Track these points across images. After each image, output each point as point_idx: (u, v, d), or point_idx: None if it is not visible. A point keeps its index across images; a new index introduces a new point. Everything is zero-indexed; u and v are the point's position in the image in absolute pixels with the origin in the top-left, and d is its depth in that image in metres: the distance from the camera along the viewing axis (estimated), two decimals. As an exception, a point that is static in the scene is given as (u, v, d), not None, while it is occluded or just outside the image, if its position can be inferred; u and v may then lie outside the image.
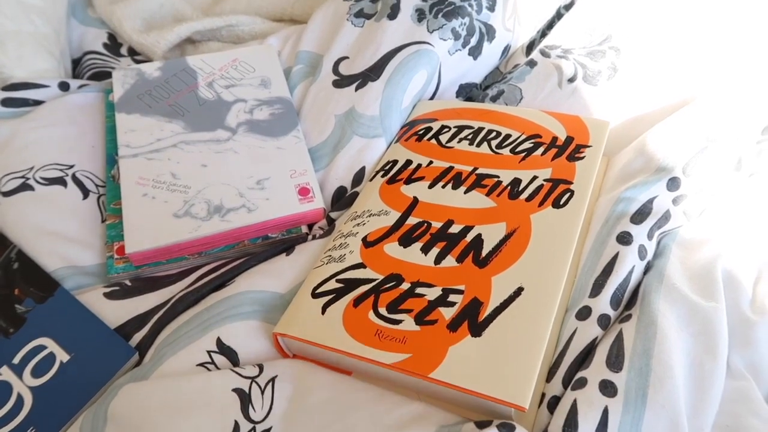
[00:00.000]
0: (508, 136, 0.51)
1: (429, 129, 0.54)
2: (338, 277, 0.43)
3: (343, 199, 0.52)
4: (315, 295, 0.43)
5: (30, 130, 0.55)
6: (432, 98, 0.59)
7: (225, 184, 0.50)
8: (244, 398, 0.38)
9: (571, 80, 0.54)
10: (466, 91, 0.60)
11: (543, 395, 0.39)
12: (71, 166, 0.54)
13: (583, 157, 0.48)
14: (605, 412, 0.35)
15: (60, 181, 0.52)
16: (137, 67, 0.60)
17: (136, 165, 0.52)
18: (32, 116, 0.56)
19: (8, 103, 0.58)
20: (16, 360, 0.43)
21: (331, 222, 0.51)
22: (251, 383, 0.39)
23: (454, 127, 0.53)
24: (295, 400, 0.39)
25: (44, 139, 0.55)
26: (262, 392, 0.39)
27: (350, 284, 0.42)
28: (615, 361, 0.38)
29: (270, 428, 0.38)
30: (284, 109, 0.56)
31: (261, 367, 0.40)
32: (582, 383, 0.37)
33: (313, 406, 0.38)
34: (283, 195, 0.50)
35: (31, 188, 0.51)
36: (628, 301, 0.42)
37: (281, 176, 0.51)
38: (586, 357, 0.39)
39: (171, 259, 0.48)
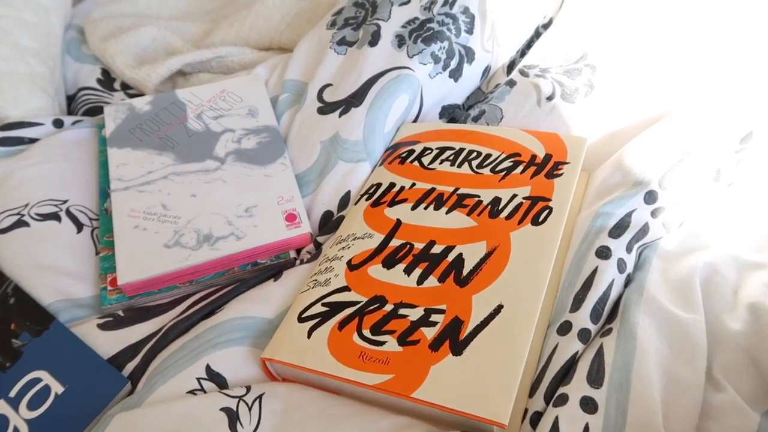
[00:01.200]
0: (488, 155, 0.52)
1: (411, 152, 0.55)
2: (324, 300, 0.44)
3: (329, 223, 0.53)
4: (301, 319, 0.44)
5: (25, 168, 0.56)
6: (415, 120, 0.60)
7: (214, 213, 0.52)
8: (232, 415, 0.39)
9: (549, 98, 0.55)
10: (449, 112, 0.61)
11: (525, 411, 0.39)
12: (65, 201, 0.55)
13: (561, 174, 0.49)
14: (586, 428, 0.36)
15: (54, 217, 0.54)
16: (128, 102, 0.62)
17: (127, 198, 0.53)
18: (27, 154, 0.58)
19: (4, 142, 0.59)
20: (12, 393, 0.44)
21: (319, 246, 0.52)
22: (238, 401, 0.40)
23: (436, 148, 0.54)
24: (283, 414, 0.39)
25: (39, 176, 0.56)
26: (250, 409, 0.40)
27: (335, 307, 0.43)
28: (596, 377, 0.38)
29: None
30: (271, 137, 0.58)
31: (248, 388, 0.41)
32: (563, 400, 0.37)
33: (301, 419, 0.39)
34: (270, 221, 0.51)
35: (26, 224, 0.53)
36: (609, 314, 0.43)
37: (269, 203, 0.52)
38: (567, 372, 0.40)
39: (162, 289, 0.49)
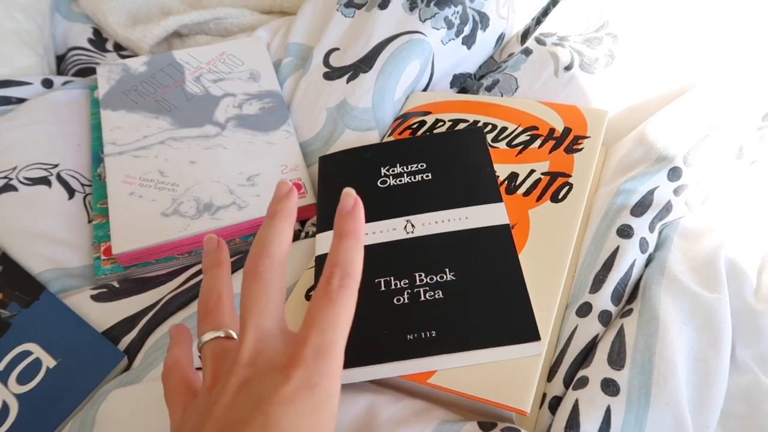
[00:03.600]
0: (504, 128, 0.50)
1: (423, 123, 0.52)
2: (331, 276, 0.42)
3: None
4: (309, 297, 0.42)
5: (12, 129, 0.53)
6: (425, 89, 0.57)
7: (214, 181, 0.49)
8: None
9: (567, 68, 0.53)
10: (461, 81, 0.59)
11: (544, 395, 0.38)
12: (55, 166, 0.52)
13: (581, 149, 0.47)
14: (608, 411, 0.34)
15: (44, 181, 0.51)
16: (122, 62, 0.59)
17: (122, 163, 0.50)
18: (14, 115, 0.55)
19: (-10, 101, 0.56)
20: (0, 366, 0.42)
21: None
22: None
23: (449, 120, 0.52)
24: None
25: (27, 138, 0.53)
26: None
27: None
28: (617, 359, 0.37)
29: None
30: (274, 102, 0.55)
31: None
32: (583, 382, 0.36)
33: None
34: (273, 189, 0.48)
35: (14, 189, 0.50)
36: (629, 295, 0.41)
37: (272, 172, 0.50)
38: (587, 355, 0.38)
39: (160, 259, 0.47)
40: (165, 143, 0.51)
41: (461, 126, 0.51)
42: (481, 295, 0.37)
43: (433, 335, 0.36)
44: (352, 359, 0.35)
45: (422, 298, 0.38)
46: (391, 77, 0.53)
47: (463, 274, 0.38)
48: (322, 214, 0.45)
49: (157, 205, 0.47)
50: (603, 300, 0.40)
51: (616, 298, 0.40)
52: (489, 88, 0.55)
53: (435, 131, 0.51)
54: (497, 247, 0.39)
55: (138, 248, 0.45)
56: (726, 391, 0.36)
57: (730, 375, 0.37)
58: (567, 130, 0.48)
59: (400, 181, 0.45)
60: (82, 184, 0.52)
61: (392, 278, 0.39)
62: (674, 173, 0.44)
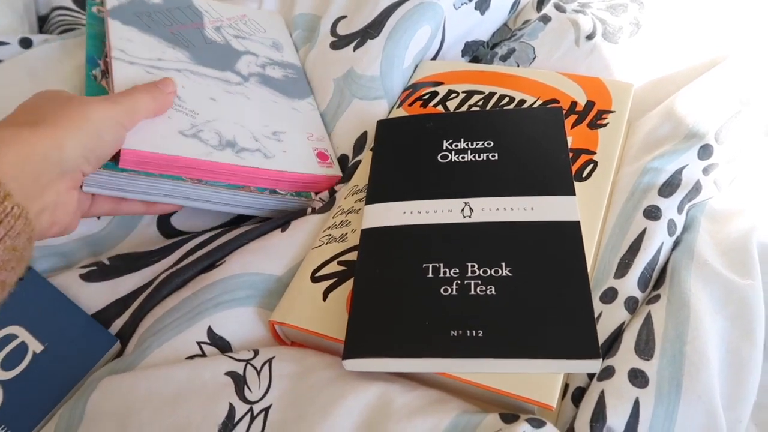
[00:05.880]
0: (522, 101, 0.47)
1: (434, 93, 0.49)
2: (340, 258, 0.39)
3: (347, 169, 0.47)
4: (315, 279, 0.39)
5: None
6: (435, 57, 0.54)
7: (237, 124, 0.44)
8: (239, 380, 0.35)
9: (589, 37, 0.50)
10: (473, 50, 0.55)
11: (566, 386, 0.35)
12: None
13: (606, 124, 0.44)
14: (636, 404, 0.32)
15: None
16: None
17: (132, 73, 0.43)
18: None
19: (-35, 63, 0.52)
20: None
21: (332, 194, 0.46)
22: (246, 365, 0.35)
23: (462, 92, 0.48)
24: (295, 377, 0.35)
25: (2, 100, 0.49)
26: (259, 373, 0.35)
27: (353, 267, 0.38)
28: (645, 348, 0.34)
29: (269, 406, 0.34)
30: (297, 75, 0.52)
31: (256, 351, 0.36)
32: (609, 373, 0.34)
33: (316, 384, 0.34)
34: (301, 153, 0.45)
35: None
36: (656, 280, 0.39)
37: (298, 135, 0.46)
38: (612, 344, 0.36)
39: (164, 175, 0.40)
40: (182, 73, 0.45)
41: (476, 98, 0.48)
42: (538, 298, 0.34)
43: (480, 335, 0.33)
44: (390, 348, 0.33)
45: (472, 292, 0.34)
46: (399, 43, 0.49)
47: (521, 271, 0.35)
48: (374, 184, 0.41)
49: (175, 124, 0.41)
50: (629, 285, 0.37)
51: (643, 283, 0.38)
52: (504, 58, 0.52)
53: (447, 103, 0.48)
54: (563, 247, 0.35)
55: (152, 151, 0.39)
56: (759, 384, 0.34)
57: (763, 366, 0.35)
58: (590, 104, 0.45)
59: (463, 157, 0.41)
60: None
61: (442, 265, 0.36)
62: (705, 151, 0.42)
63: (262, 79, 0.49)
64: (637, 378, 0.33)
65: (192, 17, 0.51)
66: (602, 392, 0.33)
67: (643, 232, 0.39)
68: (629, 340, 0.35)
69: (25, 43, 0.55)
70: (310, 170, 0.44)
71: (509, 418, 0.32)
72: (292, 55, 0.53)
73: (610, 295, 0.37)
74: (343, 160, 0.48)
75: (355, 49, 0.50)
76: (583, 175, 0.41)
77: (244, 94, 0.47)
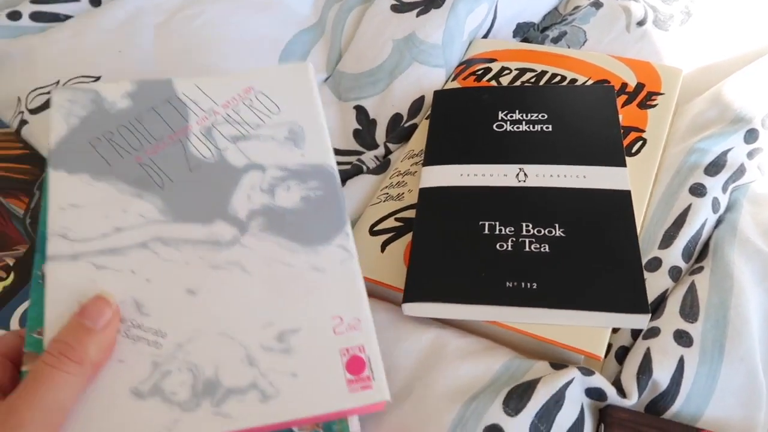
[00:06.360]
0: (573, 81, 0.48)
1: (488, 69, 0.51)
2: (397, 215, 0.41)
3: (399, 129, 0.49)
4: (373, 232, 0.41)
5: (54, 44, 0.52)
6: (486, 36, 0.56)
7: (224, 335, 0.30)
8: None
9: (640, 24, 0.51)
10: (524, 31, 0.57)
11: (609, 345, 0.37)
12: (97, 78, 0.51)
13: (655, 105, 0.46)
14: (681, 361, 0.34)
15: None
16: (94, 88, 0.37)
17: (74, 276, 0.31)
18: (59, 29, 0.53)
19: (37, 17, 0.55)
20: None
21: (388, 153, 0.48)
22: None
23: (515, 69, 0.50)
24: None
25: (70, 51, 0.52)
26: None
27: (410, 223, 0.41)
28: (689, 312, 0.36)
29: None
30: (324, 189, 0.34)
31: None
32: (655, 332, 0.36)
33: (375, 325, 0.37)
34: (320, 368, 0.30)
35: None
36: (699, 253, 0.41)
37: (318, 327, 0.31)
38: (656, 308, 0.38)
39: None
40: (149, 247, 0.32)
41: (528, 75, 0.50)
42: (591, 257, 0.36)
43: (534, 287, 0.35)
44: (447, 294, 0.35)
45: (526, 249, 0.37)
46: (461, 16, 0.51)
47: (574, 233, 0.37)
48: (432, 148, 0.43)
49: (128, 373, 0.29)
50: (673, 256, 0.39)
51: (686, 255, 0.39)
52: (555, 40, 0.54)
53: (500, 79, 0.50)
54: (615, 212, 0.38)
55: None
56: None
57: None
58: (640, 86, 0.47)
59: (518, 128, 0.43)
60: None
61: (497, 223, 0.38)
62: (751, 135, 0.43)
63: (269, 219, 0.33)
64: (682, 338, 0.35)
65: (172, 120, 0.36)
66: (648, 349, 0.35)
67: (689, 207, 0.41)
68: (673, 304, 0.37)
69: (95, 1, 0.57)
70: (336, 404, 0.29)
71: (558, 366, 0.34)
72: (319, 145, 0.36)
73: (654, 264, 0.39)
74: (397, 118, 0.49)
75: (418, 15, 0.51)
76: (633, 151, 0.43)
77: (239, 263, 0.32)
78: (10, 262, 0.43)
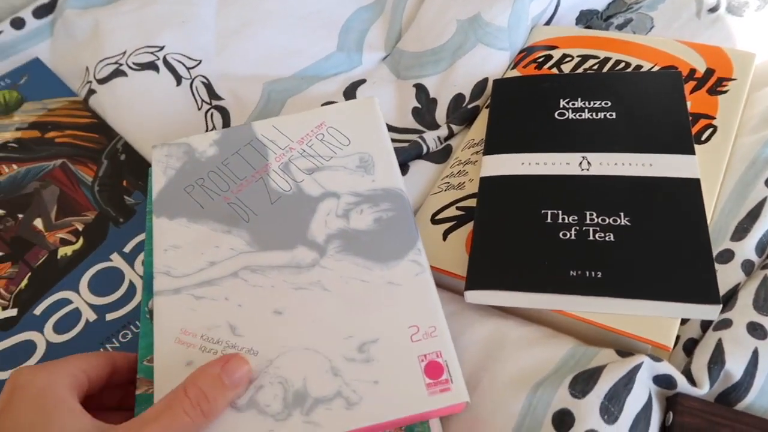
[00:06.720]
0: (638, 67, 0.47)
1: (549, 57, 0.50)
2: (458, 204, 0.42)
3: (462, 110, 0.48)
4: (435, 221, 0.41)
5: (120, 15, 0.54)
6: (547, 23, 0.55)
7: (310, 350, 0.33)
8: None
9: (712, 10, 0.50)
10: (587, 18, 0.56)
11: (677, 337, 0.36)
12: (161, 48, 0.53)
13: (726, 91, 0.44)
14: (755, 353, 0.33)
15: (152, 66, 0.52)
16: (185, 141, 0.42)
17: (178, 308, 0.35)
18: (126, 0, 0.56)
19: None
20: (126, 249, 0.44)
21: (450, 133, 0.48)
22: None
23: (578, 56, 0.49)
24: None
25: (136, 21, 0.54)
26: None
27: (471, 212, 0.41)
28: (764, 305, 0.35)
29: None
30: (395, 209, 0.38)
31: None
32: (727, 324, 0.35)
33: None
34: (400, 374, 0.32)
35: (124, 74, 0.51)
36: None
37: (396, 337, 0.33)
38: (726, 302, 0.37)
39: None
40: (239, 276, 0.36)
41: (591, 62, 0.49)
42: (658, 246, 0.35)
43: (599, 276, 0.34)
44: (510, 282, 0.35)
45: (590, 237, 0.36)
46: (525, 1, 0.50)
47: (640, 222, 0.36)
48: (492, 137, 0.43)
49: None
50: (746, 249, 0.38)
51: (759, 249, 0.38)
52: (620, 27, 0.52)
53: (562, 66, 0.49)
54: (684, 201, 0.37)
55: None
56: None
57: None
58: (710, 71, 0.45)
59: (580, 116, 0.42)
60: (188, 68, 0.52)
61: (560, 212, 0.38)
62: (832, 126, 0.41)
63: (345, 241, 0.37)
64: (756, 330, 0.34)
65: (254, 160, 0.41)
66: (720, 340, 0.34)
67: (764, 200, 0.39)
68: (746, 297, 0.36)
69: None
70: (416, 407, 0.31)
71: (625, 354, 0.34)
72: (388, 172, 0.39)
73: (726, 256, 0.38)
74: (458, 99, 0.49)
75: (483, -5, 0.51)
76: (702, 139, 0.42)
77: (320, 283, 0.35)
78: (79, 227, 0.45)
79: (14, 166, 0.49)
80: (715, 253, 0.39)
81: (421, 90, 0.50)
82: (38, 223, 0.45)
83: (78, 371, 0.31)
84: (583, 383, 0.32)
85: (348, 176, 0.39)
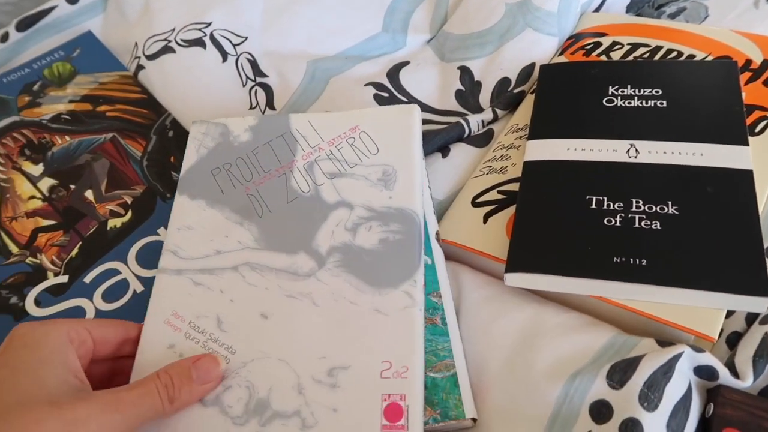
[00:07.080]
0: (691, 56, 0.46)
1: (598, 44, 0.49)
2: (500, 188, 0.42)
3: (507, 94, 0.48)
4: (476, 204, 0.41)
5: None
6: (597, 10, 0.54)
7: (283, 362, 0.33)
8: None
9: (770, -2, 0.48)
10: (638, 7, 0.55)
11: (721, 330, 0.36)
12: (209, 24, 0.54)
13: (783, 83, 0.43)
14: (803, 348, 0.32)
15: (199, 43, 0.53)
16: (223, 122, 0.43)
17: (175, 289, 0.36)
18: None
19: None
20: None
21: (495, 117, 0.47)
22: None
23: (628, 44, 0.49)
24: (455, 293, 0.38)
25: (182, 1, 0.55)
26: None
27: (513, 197, 0.41)
28: (813, 301, 0.34)
29: None
30: (404, 234, 0.37)
31: None
32: (773, 319, 0.34)
33: (474, 300, 0.37)
34: (359, 408, 0.32)
35: (172, 50, 0.52)
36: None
37: (367, 369, 0.32)
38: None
39: None
40: (238, 270, 0.37)
41: (641, 51, 0.48)
42: (707, 236, 0.35)
43: (644, 264, 0.34)
44: (553, 266, 0.35)
45: (636, 225, 0.36)
46: (575, -14, 0.50)
47: (689, 211, 0.36)
48: (538, 122, 0.43)
49: None
50: (794, 245, 0.37)
51: (811, 245, 0.37)
52: (672, 16, 0.51)
53: (611, 54, 0.48)
54: (735, 192, 0.36)
55: None
56: None
57: None
58: (766, 63, 0.44)
59: (629, 103, 0.42)
60: (234, 45, 0.53)
61: (605, 198, 0.37)
62: None
63: (346, 257, 0.36)
64: (804, 326, 0.33)
65: (283, 155, 0.41)
66: (766, 333, 0.33)
67: (817, 193, 0.38)
68: (793, 293, 0.35)
69: None
70: None
71: (665, 344, 0.33)
72: (408, 190, 0.38)
73: (773, 252, 0.37)
74: (504, 83, 0.49)
75: (533, -20, 0.51)
76: (756, 130, 0.40)
77: (311, 296, 0.35)
78: (128, 200, 0.46)
79: (67, 138, 0.50)
80: (765, 246, 0.38)
81: (465, 72, 0.50)
82: (89, 194, 0.47)
83: (81, 329, 0.31)
84: (620, 373, 0.32)
85: (367, 188, 0.39)
